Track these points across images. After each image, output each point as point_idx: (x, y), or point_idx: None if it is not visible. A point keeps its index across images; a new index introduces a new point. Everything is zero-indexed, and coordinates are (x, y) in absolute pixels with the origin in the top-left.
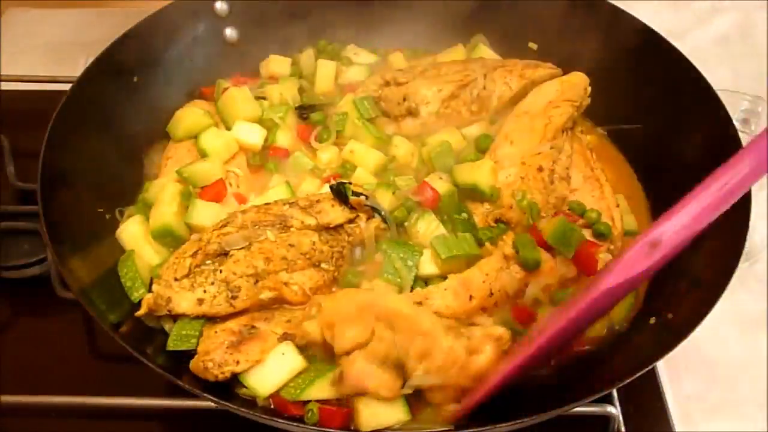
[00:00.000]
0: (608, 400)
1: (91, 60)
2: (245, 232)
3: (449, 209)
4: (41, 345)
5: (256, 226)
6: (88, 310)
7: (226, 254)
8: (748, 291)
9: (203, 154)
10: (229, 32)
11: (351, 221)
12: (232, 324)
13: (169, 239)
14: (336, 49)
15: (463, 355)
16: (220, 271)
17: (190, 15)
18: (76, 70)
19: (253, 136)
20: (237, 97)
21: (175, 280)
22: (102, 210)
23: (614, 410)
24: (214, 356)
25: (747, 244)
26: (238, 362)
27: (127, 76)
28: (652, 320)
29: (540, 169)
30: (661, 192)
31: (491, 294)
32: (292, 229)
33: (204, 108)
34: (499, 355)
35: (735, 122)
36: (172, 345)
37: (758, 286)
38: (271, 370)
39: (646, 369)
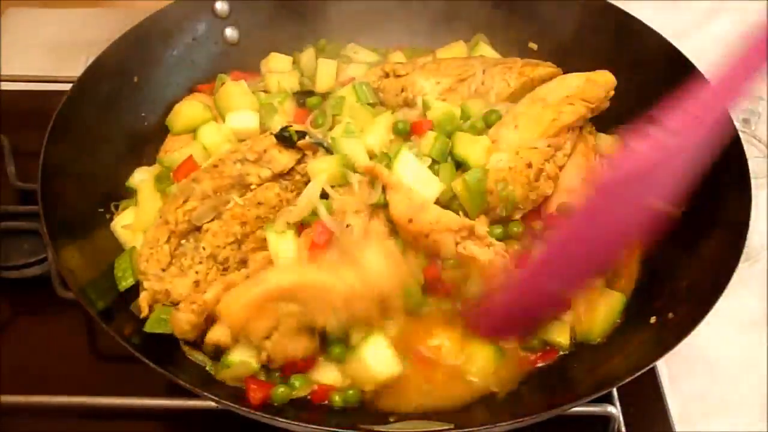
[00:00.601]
0: (608, 400)
1: (91, 60)
2: (210, 202)
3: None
4: (41, 345)
5: (218, 193)
6: (88, 310)
7: (198, 229)
8: (748, 291)
9: (202, 147)
10: (230, 32)
11: (299, 161)
12: None
13: None
14: (336, 48)
15: (356, 283)
16: (203, 248)
17: (190, 15)
18: (76, 70)
19: (248, 121)
20: (233, 90)
21: (162, 271)
22: (102, 210)
23: (614, 410)
24: (183, 302)
25: (747, 244)
26: (205, 291)
27: (128, 75)
28: (653, 320)
29: (529, 165)
30: None
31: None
32: (252, 186)
33: (204, 102)
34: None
35: (735, 122)
36: (148, 328)
37: (758, 286)
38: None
39: (646, 368)
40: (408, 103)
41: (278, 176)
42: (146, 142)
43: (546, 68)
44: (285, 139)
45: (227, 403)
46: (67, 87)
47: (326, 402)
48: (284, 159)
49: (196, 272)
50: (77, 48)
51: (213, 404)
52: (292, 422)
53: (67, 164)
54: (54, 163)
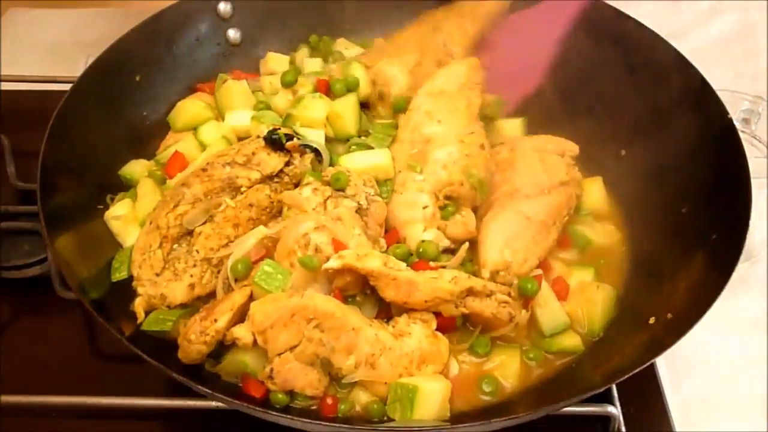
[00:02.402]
0: (609, 400)
1: (91, 60)
2: (201, 206)
3: None
4: (41, 345)
5: (209, 197)
6: (88, 310)
7: (190, 233)
8: (748, 291)
9: (203, 146)
10: (233, 33)
11: (287, 163)
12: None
13: None
14: (327, 43)
15: (388, 339)
16: (197, 251)
17: (193, 15)
18: (76, 70)
19: (246, 120)
20: (234, 89)
21: (156, 275)
22: (102, 208)
23: (614, 410)
24: (194, 329)
25: (747, 244)
26: (215, 320)
27: (129, 75)
28: (652, 320)
29: (482, 147)
30: (661, 191)
31: None
32: (242, 189)
33: (205, 101)
34: (432, 335)
35: (735, 122)
36: (146, 326)
37: (758, 286)
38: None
39: (644, 365)
40: (382, 97)
41: (267, 178)
42: (147, 142)
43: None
44: (273, 141)
45: (236, 401)
46: (67, 87)
47: (337, 415)
48: (273, 161)
49: (191, 275)
50: (77, 48)
51: (213, 404)
52: (298, 418)
53: (67, 164)
54: (54, 163)
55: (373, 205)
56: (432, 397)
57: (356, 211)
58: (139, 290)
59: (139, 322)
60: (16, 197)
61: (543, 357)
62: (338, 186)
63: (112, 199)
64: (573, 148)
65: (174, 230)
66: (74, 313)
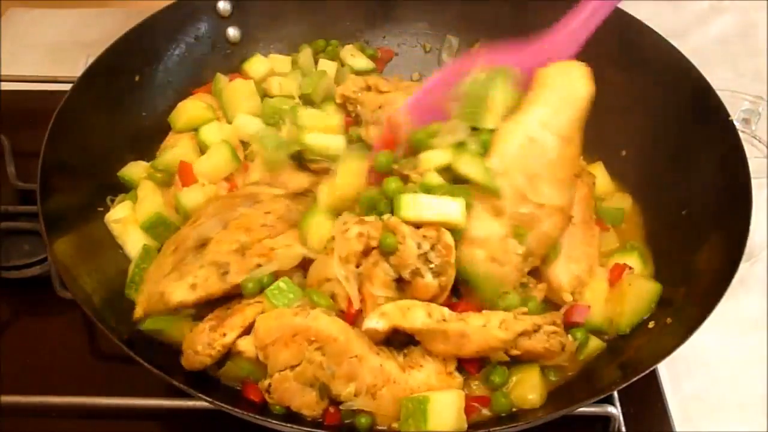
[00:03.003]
0: (609, 400)
1: (91, 60)
2: (218, 217)
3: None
4: (41, 345)
5: (228, 209)
6: (86, 311)
7: (205, 245)
8: (748, 291)
9: (203, 147)
10: (232, 32)
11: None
12: (209, 317)
13: (161, 229)
14: (334, 50)
15: (394, 371)
16: (206, 255)
17: (192, 14)
18: (76, 70)
19: (253, 124)
20: (241, 89)
21: (163, 277)
22: (102, 209)
23: (615, 410)
24: (201, 339)
25: (747, 244)
26: (224, 334)
27: (129, 75)
28: (651, 324)
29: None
30: (661, 192)
31: None
32: (263, 201)
33: (207, 102)
34: (444, 374)
35: (735, 122)
36: (146, 326)
37: (758, 286)
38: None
39: (646, 372)
40: (380, 122)
41: (292, 195)
42: (147, 142)
43: None
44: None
45: (221, 404)
46: (67, 87)
47: (342, 422)
48: (298, 179)
49: (195, 276)
50: (77, 48)
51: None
52: (287, 424)
53: (67, 164)
54: (54, 163)
55: (417, 280)
56: (446, 407)
57: (395, 281)
58: (142, 288)
59: (135, 318)
60: (16, 197)
61: (563, 367)
62: (384, 249)
63: (112, 201)
64: (590, 178)
65: (189, 242)
66: (74, 313)
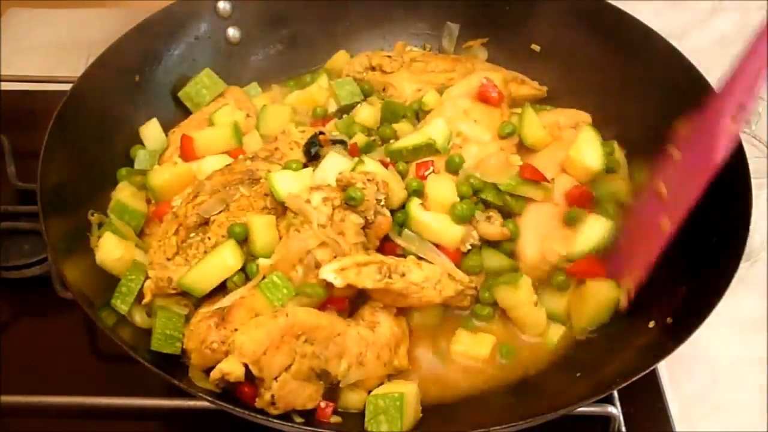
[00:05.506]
0: (609, 400)
1: (91, 60)
2: (218, 196)
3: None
4: (41, 345)
5: (227, 187)
6: (86, 311)
7: (206, 222)
8: (748, 291)
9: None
10: (232, 32)
11: (315, 156)
12: (204, 310)
13: (126, 217)
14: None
15: (369, 334)
16: (209, 238)
17: (192, 14)
18: (76, 70)
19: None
20: (277, 113)
21: (168, 260)
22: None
23: (615, 410)
24: (211, 338)
25: (747, 244)
26: (236, 329)
27: (128, 75)
28: (651, 324)
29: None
30: None
31: None
32: (261, 180)
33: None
34: (394, 318)
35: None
36: (156, 345)
37: (758, 286)
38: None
39: (646, 372)
40: None
41: None
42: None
43: (531, 89)
44: (309, 154)
45: (223, 404)
46: (67, 87)
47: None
48: (294, 156)
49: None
50: (77, 48)
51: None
52: (287, 423)
53: (67, 164)
54: (54, 163)
55: (378, 218)
56: (412, 401)
57: (362, 227)
58: (149, 273)
59: (144, 303)
60: (16, 197)
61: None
62: (351, 202)
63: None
64: (586, 118)
65: (191, 219)
66: (74, 313)
